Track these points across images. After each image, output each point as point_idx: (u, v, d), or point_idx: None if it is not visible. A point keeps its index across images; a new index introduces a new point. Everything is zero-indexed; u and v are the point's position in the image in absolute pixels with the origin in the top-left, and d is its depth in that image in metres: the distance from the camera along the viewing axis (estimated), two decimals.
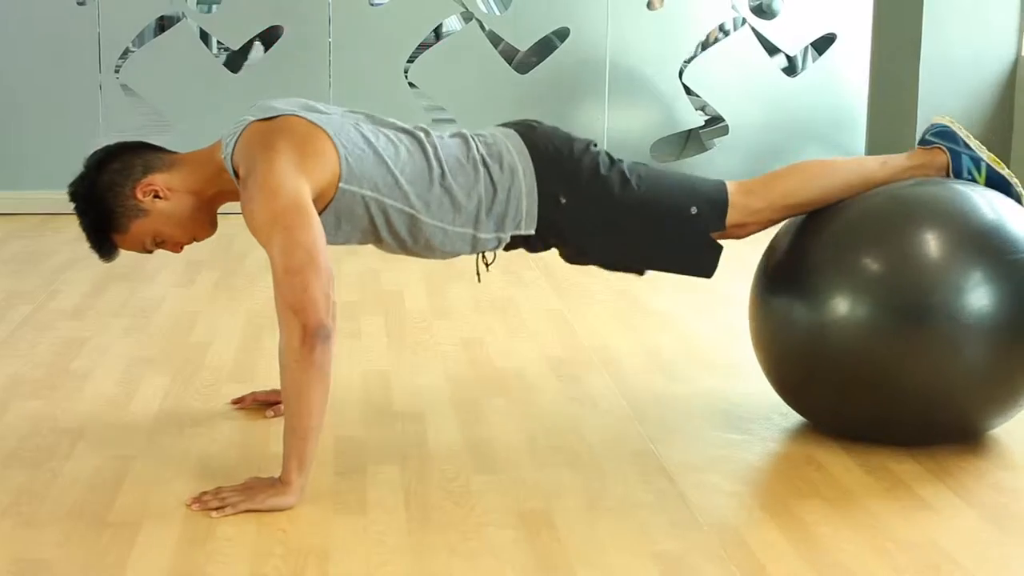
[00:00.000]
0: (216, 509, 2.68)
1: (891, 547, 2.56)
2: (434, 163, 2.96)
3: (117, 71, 6.41)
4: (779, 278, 3.13)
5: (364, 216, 2.92)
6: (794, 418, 3.27)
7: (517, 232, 3.02)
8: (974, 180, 3.15)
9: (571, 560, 2.48)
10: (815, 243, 3.08)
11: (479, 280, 3.28)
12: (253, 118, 2.91)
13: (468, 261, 3.24)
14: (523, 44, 6.62)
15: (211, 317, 4.36)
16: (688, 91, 6.69)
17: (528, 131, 3.07)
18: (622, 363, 3.82)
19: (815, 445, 3.11)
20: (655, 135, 6.69)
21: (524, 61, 6.76)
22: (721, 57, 6.71)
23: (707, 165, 6.63)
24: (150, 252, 3.04)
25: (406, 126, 3.05)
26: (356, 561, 2.48)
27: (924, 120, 5.96)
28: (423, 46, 6.62)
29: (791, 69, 7.06)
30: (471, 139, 3.04)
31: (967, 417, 3.04)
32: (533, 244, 3.09)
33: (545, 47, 6.67)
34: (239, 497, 2.70)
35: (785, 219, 3.16)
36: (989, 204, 3.04)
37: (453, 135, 3.07)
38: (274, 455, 2.83)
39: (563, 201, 3.01)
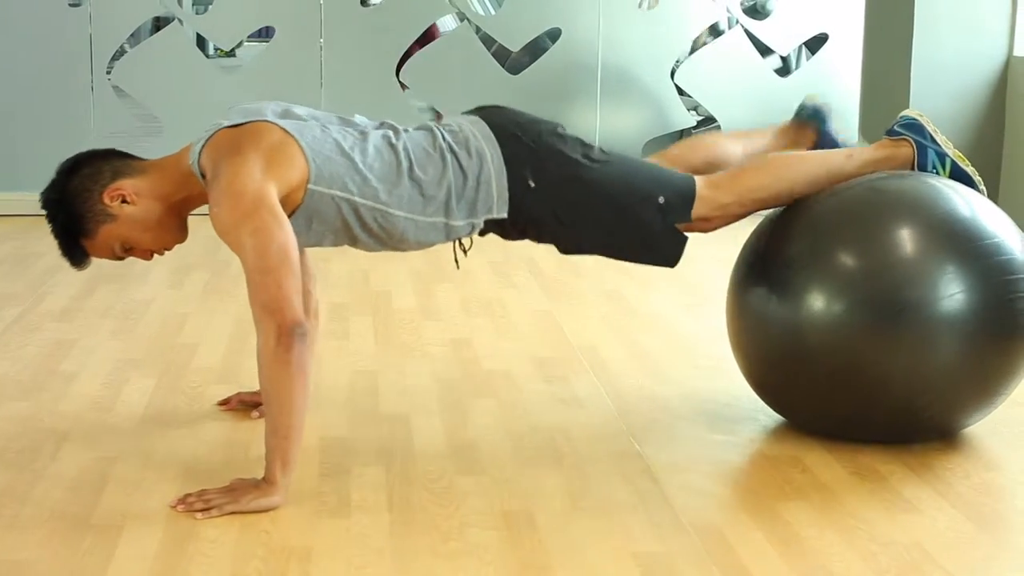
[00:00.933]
0: (200, 511, 2.68)
1: (875, 548, 2.56)
2: (402, 157, 2.96)
3: (109, 72, 6.41)
4: (754, 278, 3.14)
5: (336, 216, 2.92)
6: (779, 418, 3.26)
7: (490, 216, 3.00)
8: (938, 175, 3.18)
9: (552, 561, 2.48)
10: (790, 242, 3.09)
11: (457, 267, 3.24)
12: (224, 123, 2.92)
13: (458, 261, 3.22)
14: (515, 45, 6.62)
15: (199, 319, 4.35)
16: (680, 91, 6.68)
17: (493, 116, 3.08)
18: (609, 364, 3.82)
19: (800, 445, 3.11)
20: (647, 135, 6.68)
21: (516, 61, 6.76)
22: (713, 57, 6.71)
23: None
24: (121, 259, 3.04)
25: (374, 123, 3.06)
26: (338, 562, 2.48)
27: None
28: (417, 45, 6.61)
29: (784, 69, 7.05)
30: (436, 129, 3.04)
31: (945, 414, 3.05)
32: (507, 230, 3.08)
33: (537, 48, 6.67)
34: (223, 499, 2.70)
35: (752, 213, 3.15)
36: (965, 201, 3.05)
37: (419, 127, 3.08)
38: (259, 457, 2.82)
39: (532, 184, 3.00)
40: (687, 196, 3.07)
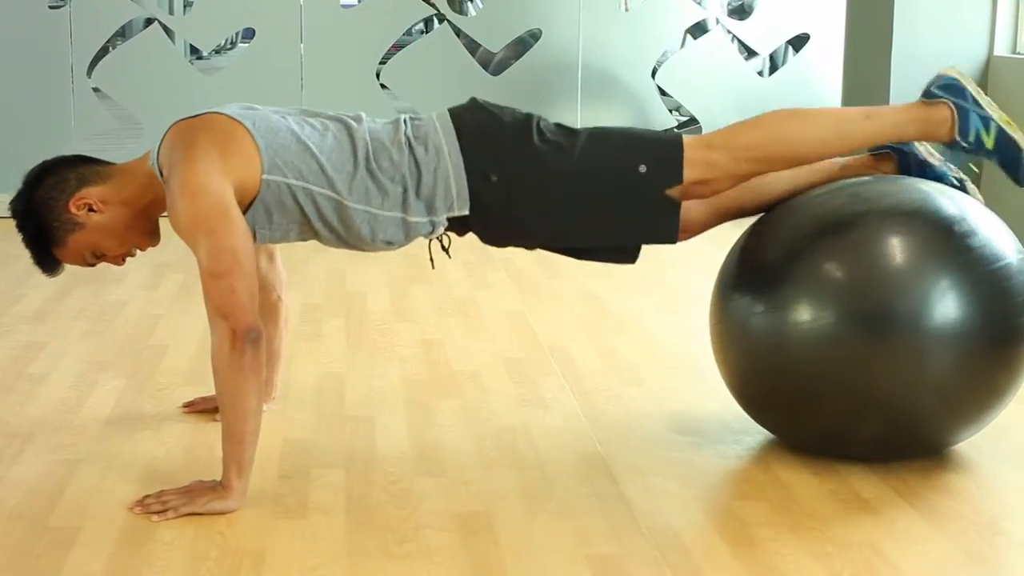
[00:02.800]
0: (157, 513, 2.69)
1: (830, 550, 2.56)
2: (360, 147, 2.88)
3: (89, 74, 6.40)
4: (738, 289, 3.00)
5: (294, 206, 2.87)
6: (746, 420, 3.25)
7: (451, 214, 2.89)
8: (982, 143, 2.88)
9: (505, 563, 2.48)
10: (774, 252, 2.95)
11: (432, 266, 3.15)
12: (177, 120, 2.91)
13: (433, 260, 3.14)
14: (495, 46, 6.62)
15: (172, 320, 4.35)
16: (662, 92, 6.68)
17: (459, 109, 2.95)
18: (579, 365, 3.82)
19: (764, 446, 3.11)
20: None
21: (497, 62, 6.76)
22: (694, 57, 6.71)
23: None
24: (92, 265, 3.03)
25: (337, 114, 2.98)
26: (290, 564, 2.48)
27: None
28: (395, 47, 6.61)
29: (772, 68, 7.05)
30: (402, 122, 2.94)
31: (936, 430, 2.93)
32: (483, 232, 2.96)
33: (518, 48, 6.67)
34: (180, 501, 2.70)
35: (752, 175, 2.93)
36: (959, 209, 2.88)
37: (389, 121, 2.97)
38: (221, 459, 2.82)
39: (493, 179, 2.87)
40: (672, 159, 2.86)
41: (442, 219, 2.91)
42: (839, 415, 2.88)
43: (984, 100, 2.90)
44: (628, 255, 3.03)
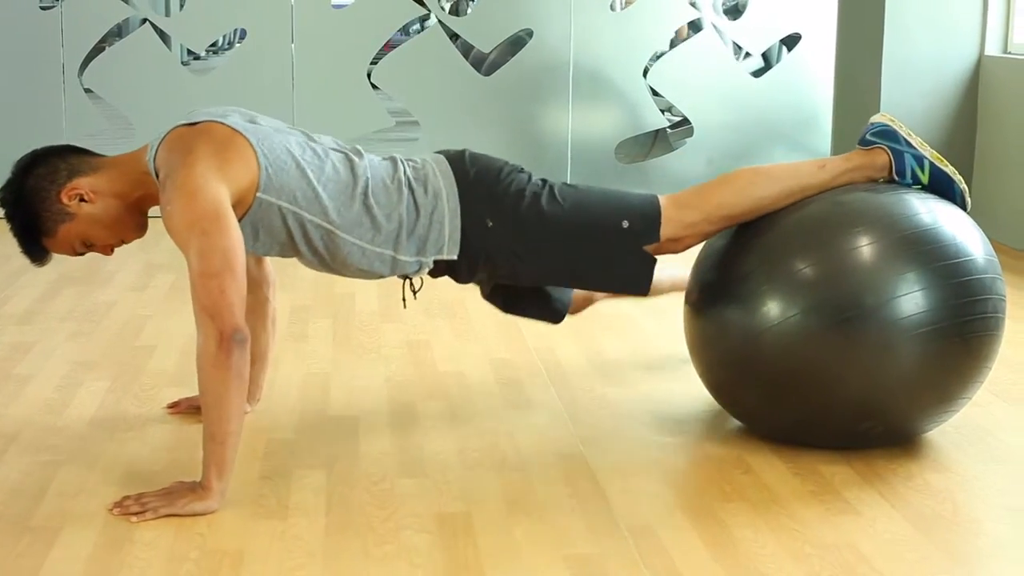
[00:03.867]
0: (136, 514, 2.69)
1: (809, 551, 2.56)
2: (360, 181, 2.96)
3: (81, 75, 6.40)
4: (713, 283, 3.11)
5: (281, 228, 2.92)
6: (728, 420, 3.27)
7: (439, 257, 3.01)
8: (918, 179, 3.10)
9: (483, 563, 2.48)
10: (749, 248, 3.05)
11: (404, 306, 3.34)
12: (177, 124, 2.92)
13: (405, 300, 3.28)
14: (487, 46, 6.62)
15: (160, 321, 4.35)
16: (654, 92, 6.68)
17: (456, 156, 3.08)
18: (565, 366, 3.82)
19: (748, 448, 3.11)
20: (619, 136, 6.68)
21: (489, 62, 6.76)
22: (686, 58, 6.70)
23: (674, 165, 6.65)
24: (81, 255, 3.05)
25: (339, 145, 3.05)
26: (269, 564, 2.48)
27: None
28: (388, 47, 6.61)
29: (766, 67, 7.04)
30: (400, 162, 3.05)
31: (902, 420, 3.03)
32: (459, 272, 3.09)
33: (510, 49, 6.67)
34: (160, 502, 2.71)
35: (723, 229, 3.12)
36: (926, 208, 2.99)
37: (385, 158, 3.08)
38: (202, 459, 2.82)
39: (490, 224, 3.01)
40: (652, 217, 3.05)
41: (429, 260, 3.03)
42: (809, 406, 2.97)
43: (916, 141, 3.12)
44: (557, 316, 3.36)
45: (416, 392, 3.57)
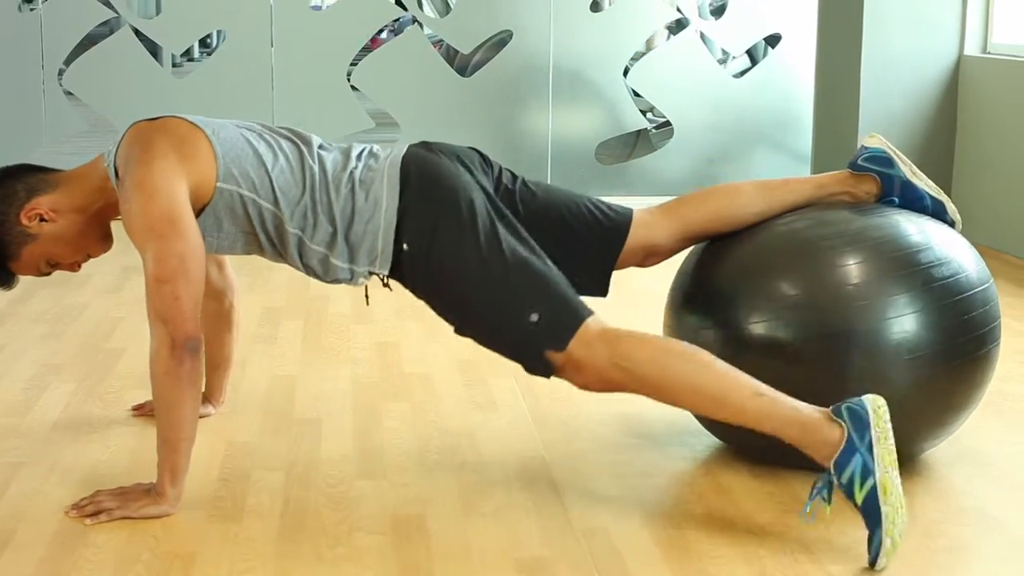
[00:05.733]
0: (91, 516, 2.68)
1: (763, 554, 2.56)
2: (307, 174, 2.85)
3: (60, 77, 6.39)
4: (694, 297, 3.00)
5: (244, 216, 2.84)
6: (694, 425, 3.25)
7: (372, 270, 2.84)
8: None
9: (433, 566, 2.48)
10: (731, 268, 2.95)
11: (367, 303, 3.12)
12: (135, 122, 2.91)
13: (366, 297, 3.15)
14: (466, 47, 6.62)
15: (132, 323, 4.34)
16: (635, 93, 6.68)
17: (413, 160, 2.88)
18: None
19: (710, 450, 3.10)
20: (599, 137, 6.68)
21: (469, 63, 6.75)
22: (666, 58, 6.70)
23: (655, 166, 6.65)
24: (47, 274, 3.01)
25: (293, 135, 2.96)
26: (220, 567, 2.48)
27: (866, 121, 5.94)
28: (367, 49, 6.60)
29: (752, 63, 7.04)
30: (356, 157, 2.90)
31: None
32: (404, 283, 2.92)
33: (491, 50, 6.67)
34: (114, 504, 2.71)
35: (624, 389, 2.76)
36: (923, 236, 2.88)
37: (343, 149, 2.94)
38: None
39: (405, 247, 2.80)
40: (566, 327, 2.73)
41: (363, 271, 2.86)
42: None
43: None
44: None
45: (381, 394, 3.57)
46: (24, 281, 4.73)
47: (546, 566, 2.49)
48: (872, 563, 2.49)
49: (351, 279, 2.87)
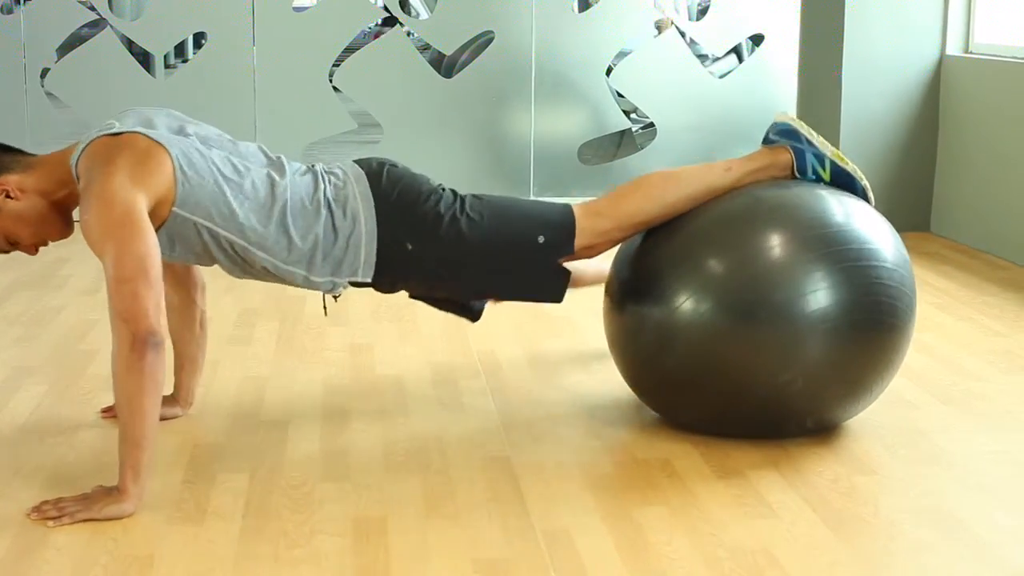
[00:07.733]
0: (53, 518, 2.69)
1: (722, 554, 2.56)
2: (278, 201, 2.99)
3: (42, 79, 6.39)
4: (630, 279, 3.17)
5: (197, 241, 2.96)
6: (659, 423, 3.26)
7: (354, 279, 3.05)
8: (819, 177, 3.19)
9: (392, 567, 2.48)
10: (665, 244, 3.13)
11: (325, 314, 3.40)
12: (101, 133, 2.92)
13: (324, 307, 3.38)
14: (448, 48, 6.61)
15: (107, 325, 4.20)
16: (618, 94, 6.67)
17: (376, 174, 3.09)
18: (504, 368, 3.82)
19: (673, 449, 3.11)
20: (582, 138, 6.68)
21: (451, 64, 6.75)
22: (649, 59, 6.70)
23: (638, 167, 6.65)
24: (6, 252, 3.06)
25: (264, 157, 3.08)
26: (178, 569, 2.48)
27: (848, 121, 5.96)
28: (349, 49, 6.59)
29: (738, 61, 7.04)
30: (321, 178, 3.07)
31: (813, 409, 3.09)
32: (380, 287, 3.13)
33: (473, 51, 6.66)
34: (77, 506, 2.71)
35: (635, 234, 3.19)
36: (839, 204, 3.09)
37: (305, 172, 3.09)
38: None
39: (410, 247, 3.04)
40: (567, 230, 3.12)
41: (344, 281, 3.07)
42: (719, 397, 3.05)
43: (817, 139, 3.20)
44: (474, 315, 3.35)
45: (351, 396, 3.57)
46: (1, 283, 4.78)
47: (504, 567, 2.49)
48: (869, 202, 3.16)
49: (332, 289, 3.07)
